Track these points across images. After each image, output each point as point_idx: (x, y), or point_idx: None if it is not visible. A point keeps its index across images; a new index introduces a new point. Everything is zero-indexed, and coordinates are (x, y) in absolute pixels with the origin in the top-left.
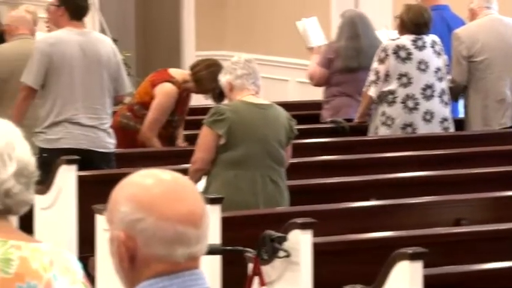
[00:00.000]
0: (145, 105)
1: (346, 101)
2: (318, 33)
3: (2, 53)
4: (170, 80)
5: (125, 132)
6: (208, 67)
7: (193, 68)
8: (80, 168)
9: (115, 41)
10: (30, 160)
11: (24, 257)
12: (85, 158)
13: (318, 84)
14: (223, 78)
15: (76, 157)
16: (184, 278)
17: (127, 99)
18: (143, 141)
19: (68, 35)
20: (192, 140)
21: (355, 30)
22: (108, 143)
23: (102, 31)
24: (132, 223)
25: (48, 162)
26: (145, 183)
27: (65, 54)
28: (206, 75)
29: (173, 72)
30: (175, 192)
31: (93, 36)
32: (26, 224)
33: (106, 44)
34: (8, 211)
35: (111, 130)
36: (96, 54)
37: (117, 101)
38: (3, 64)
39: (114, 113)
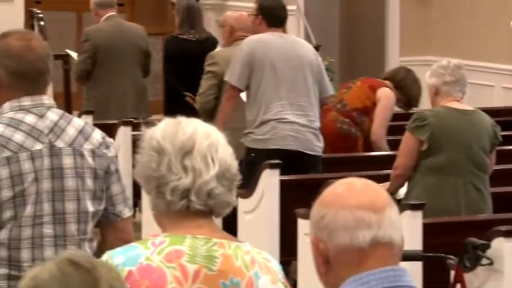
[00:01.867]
0: (366, 110)
1: None
2: None
3: (223, 57)
4: (386, 86)
5: (346, 139)
6: (409, 74)
7: (394, 76)
8: (287, 169)
9: (318, 46)
10: (233, 163)
11: (227, 255)
12: (293, 159)
13: None
14: (430, 81)
15: (279, 162)
16: (387, 273)
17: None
18: (375, 142)
19: (270, 35)
20: (394, 145)
21: None
22: (316, 146)
23: (307, 36)
24: (318, 222)
25: (256, 162)
26: (334, 187)
27: (267, 54)
28: (411, 82)
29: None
30: (359, 189)
31: (293, 38)
32: (230, 227)
33: (307, 47)
34: (211, 212)
35: (319, 133)
36: (299, 54)
37: (320, 103)
38: (227, 67)
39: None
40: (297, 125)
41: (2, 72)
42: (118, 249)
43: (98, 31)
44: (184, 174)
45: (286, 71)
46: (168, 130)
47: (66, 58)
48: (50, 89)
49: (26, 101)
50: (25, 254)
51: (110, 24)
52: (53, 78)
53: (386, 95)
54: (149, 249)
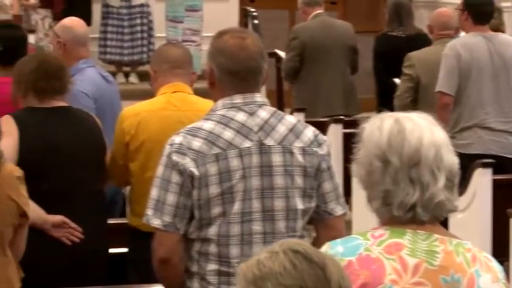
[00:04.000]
0: None
1: None
2: None
3: (420, 58)
4: None
5: None
6: None
7: None
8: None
9: None
10: (455, 162)
11: (448, 251)
12: (496, 164)
13: None
14: None
15: (491, 161)
16: None
17: None
18: None
19: (473, 38)
20: None
21: None
22: None
23: None
24: None
25: (459, 167)
26: None
27: (472, 58)
28: None
29: None
30: None
31: (498, 38)
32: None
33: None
34: (435, 219)
35: None
36: (504, 56)
37: None
38: (423, 69)
39: None
40: (500, 132)
41: (215, 69)
42: (338, 240)
43: (306, 29)
44: (412, 189)
45: (489, 76)
46: (394, 139)
47: (278, 56)
48: (262, 87)
49: (238, 99)
50: (234, 250)
51: (317, 22)
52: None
53: None
54: (369, 241)
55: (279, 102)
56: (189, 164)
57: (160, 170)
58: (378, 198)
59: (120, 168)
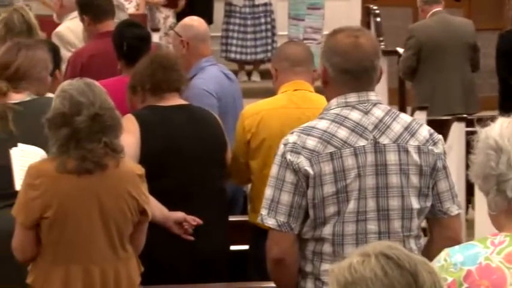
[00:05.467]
0: None
1: None
2: None
3: None
4: None
5: None
6: None
7: None
8: None
9: None
10: None
11: None
12: None
13: None
14: None
15: None
16: None
17: None
18: None
19: None
20: None
21: None
22: None
23: None
24: None
25: None
26: None
27: None
28: None
29: None
30: None
31: None
32: None
33: None
34: None
35: None
36: None
37: None
38: None
39: None
40: None
41: (329, 68)
42: (457, 247)
43: (422, 27)
44: None
45: None
46: (505, 128)
47: (399, 54)
48: (384, 85)
49: (352, 98)
50: (349, 250)
51: (435, 20)
52: (388, 75)
53: None
54: (489, 249)
55: (401, 100)
56: (303, 163)
57: (274, 170)
58: (492, 187)
59: (242, 166)
